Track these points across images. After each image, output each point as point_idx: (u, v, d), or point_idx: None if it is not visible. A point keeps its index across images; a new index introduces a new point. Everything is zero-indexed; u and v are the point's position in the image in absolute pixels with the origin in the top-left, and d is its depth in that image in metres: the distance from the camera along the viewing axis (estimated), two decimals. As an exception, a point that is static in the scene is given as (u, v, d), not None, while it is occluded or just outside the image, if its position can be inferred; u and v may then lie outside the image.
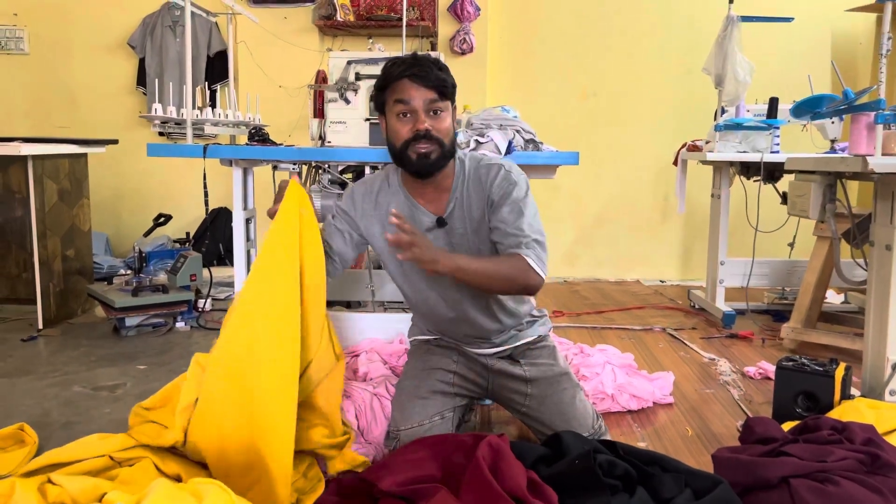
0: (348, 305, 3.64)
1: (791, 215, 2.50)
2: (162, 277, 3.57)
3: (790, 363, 2.32)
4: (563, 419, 1.96)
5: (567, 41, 4.68)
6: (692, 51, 4.38)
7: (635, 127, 4.72)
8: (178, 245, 3.73)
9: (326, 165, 2.45)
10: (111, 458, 1.67)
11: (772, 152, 3.50)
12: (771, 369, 2.83)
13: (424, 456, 1.73)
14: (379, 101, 1.84)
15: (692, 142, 3.83)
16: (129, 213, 4.92)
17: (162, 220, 3.63)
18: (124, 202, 4.94)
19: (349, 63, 2.55)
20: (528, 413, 2.02)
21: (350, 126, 2.58)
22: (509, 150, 2.28)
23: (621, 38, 4.68)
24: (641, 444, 2.20)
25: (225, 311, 3.74)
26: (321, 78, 3.27)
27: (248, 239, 2.59)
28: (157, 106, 2.36)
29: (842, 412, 2.11)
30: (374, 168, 2.41)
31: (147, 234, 3.70)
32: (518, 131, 2.37)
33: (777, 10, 3.59)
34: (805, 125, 3.66)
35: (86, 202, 3.73)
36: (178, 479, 1.63)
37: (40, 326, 3.36)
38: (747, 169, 3.64)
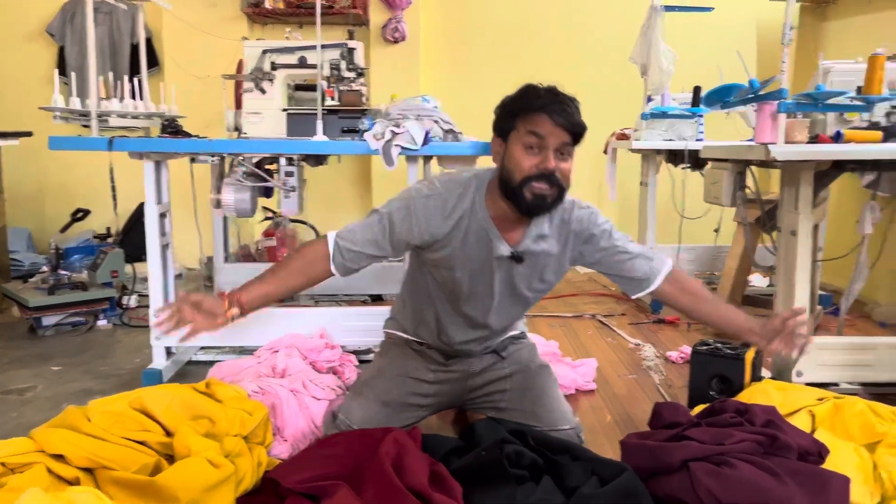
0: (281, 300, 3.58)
1: (706, 202, 2.55)
2: (83, 275, 3.45)
3: (705, 347, 2.37)
4: (545, 409, 1.93)
5: (502, 30, 4.68)
6: (626, 40, 4.38)
7: (569, 115, 4.75)
8: (98, 241, 3.60)
9: (241, 157, 2.39)
10: (3, 464, 1.60)
11: (696, 140, 3.56)
12: (687, 353, 2.90)
13: (335, 452, 1.72)
14: (506, 125, 1.72)
15: (621, 130, 3.87)
16: (53, 208, 4.75)
17: (80, 214, 3.50)
18: (48, 196, 4.77)
19: (265, 52, 2.49)
20: (509, 407, 1.96)
21: (266, 117, 2.53)
22: (426, 141, 2.26)
23: (557, 27, 4.70)
24: (560, 432, 2.22)
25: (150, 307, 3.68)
26: (240, 68, 3.19)
27: (162, 234, 2.51)
28: (56, 97, 2.26)
29: (751, 394, 2.16)
30: (289, 160, 2.36)
31: (64, 229, 3.57)
32: (436, 122, 2.35)
33: (700, 0, 3.64)
34: (728, 113, 3.73)
35: (0, 197, 3.59)
36: (74, 483, 1.57)
37: (-48, 328, 3.22)
38: (674, 157, 3.69)
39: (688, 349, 2.96)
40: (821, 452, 1.79)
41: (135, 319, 3.42)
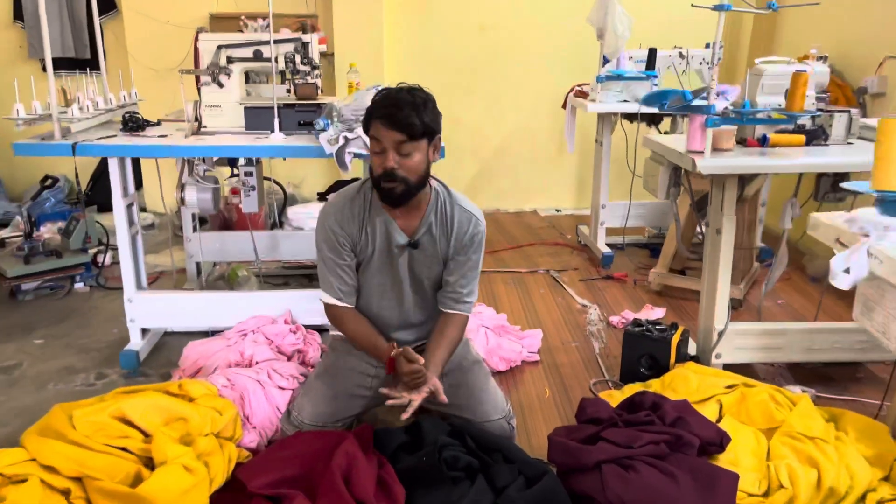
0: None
1: (645, 189, 2.70)
2: (56, 239, 3.57)
3: (637, 329, 2.61)
4: (477, 402, 2.15)
5: (463, -26, 4.62)
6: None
7: (532, 60, 4.78)
8: (69, 206, 3.69)
9: (202, 157, 2.48)
10: (2, 474, 1.81)
11: (651, 101, 3.66)
12: (632, 318, 3.14)
13: (293, 453, 1.95)
14: (366, 128, 1.98)
15: (579, 87, 3.94)
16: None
17: (49, 182, 3.57)
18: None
19: (220, 48, 2.53)
20: (446, 400, 2.15)
21: (225, 109, 2.60)
22: (377, 144, 2.36)
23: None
24: (502, 410, 2.47)
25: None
26: (197, 55, 3.20)
27: (130, 224, 2.64)
28: (18, 106, 2.31)
29: (672, 377, 2.41)
30: (248, 161, 2.47)
31: (35, 197, 3.65)
32: (388, 121, 2.44)
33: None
34: (684, 70, 3.81)
35: (-31, 163, 3.64)
36: (66, 493, 1.80)
37: (-65, 293, 3.36)
38: (629, 114, 3.80)
39: (629, 314, 3.21)
40: (722, 442, 2.05)
41: (111, 280, 3.58)
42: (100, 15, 4.49)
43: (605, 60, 3.68)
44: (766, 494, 1.94)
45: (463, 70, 4.76)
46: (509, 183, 5.00)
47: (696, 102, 2.23)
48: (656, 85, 3.68)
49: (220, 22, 4.39)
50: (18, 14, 4.54)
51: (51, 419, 2.00)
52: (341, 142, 2.34)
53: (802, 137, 2.37)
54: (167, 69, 4.27)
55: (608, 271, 3.79)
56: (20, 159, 4.73)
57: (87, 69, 2.74)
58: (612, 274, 3.73)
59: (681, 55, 3.75)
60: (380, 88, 2.67)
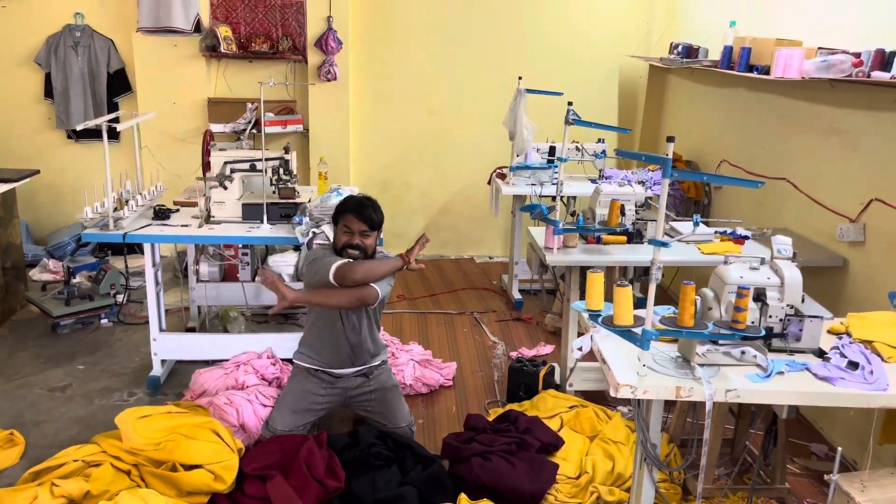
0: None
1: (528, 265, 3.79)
2: (86, 284, 4.57)
3: (519, 364, 3.69)
4: (393, 414, 3.22)
5: (415, 70, 5.73)
6: (513, 78, 5.47)
7: (470, 138, 5.89)
8: (97, 258, 4.69)
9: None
10: (83, 461, 2.83)
11: (552, 184, 4.77)
12: (526, 353, 4.23)
13: (274, 449, 2.98)
14: (336, 218, 3.07)
15: (499, 169, 5.04)
16: (46, 203, 5.73)
17: (82, 242, 4.56)
18: (40, 194, 5.70)
19: (226, 163, 3.58)
20: (372, 410, 3.24)
21: (228, 204, 3.64)
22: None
23: (459, 67, 5.75)
24: (420, 421, 3.53)
25: (139, 302, 4.80)
26: (209, 136, 4.24)
27: (156, 283, 3.66)
28: (87, 209, 3.34)
29: (538, 399, 3.50)
30: (245, 247, 3.51)
31: (73, 253, 4.63)
32: (344, 218, 3.50)
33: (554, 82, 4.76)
34: (580, 160, 4.93)
35: (16, 221, 4.63)
36: (128, 473, 2.82)
37: (-10, 327, 4.34)
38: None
39: (526, 351, 4.29)
40: (557, 444, 3.14)
41: (128, 317, 4.58)
42: (117, 95, 5.56)
43: (518, 155, 4.79)
44: (577, 477, 3.03)
45: (414, 145, 5.86)
46: (451, 235, 6.10)
47: (549, 216, 3.33)
48: (556, 173, 4.78)
49: (216, 106, 5.42)
50: (48, 92, 5.53)
51: (118, 432, 3.01)
52: (310, 235, 3.39)
53: (625, 238, 3.48)
54: (174, 138, 5.32)
55: (519, 314, 4.88)
56: (43, 208, 5.76)
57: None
58: (521, 316, 4.83)
59: (577, 149, 4.87)
60: (339, 190, 3.76)
